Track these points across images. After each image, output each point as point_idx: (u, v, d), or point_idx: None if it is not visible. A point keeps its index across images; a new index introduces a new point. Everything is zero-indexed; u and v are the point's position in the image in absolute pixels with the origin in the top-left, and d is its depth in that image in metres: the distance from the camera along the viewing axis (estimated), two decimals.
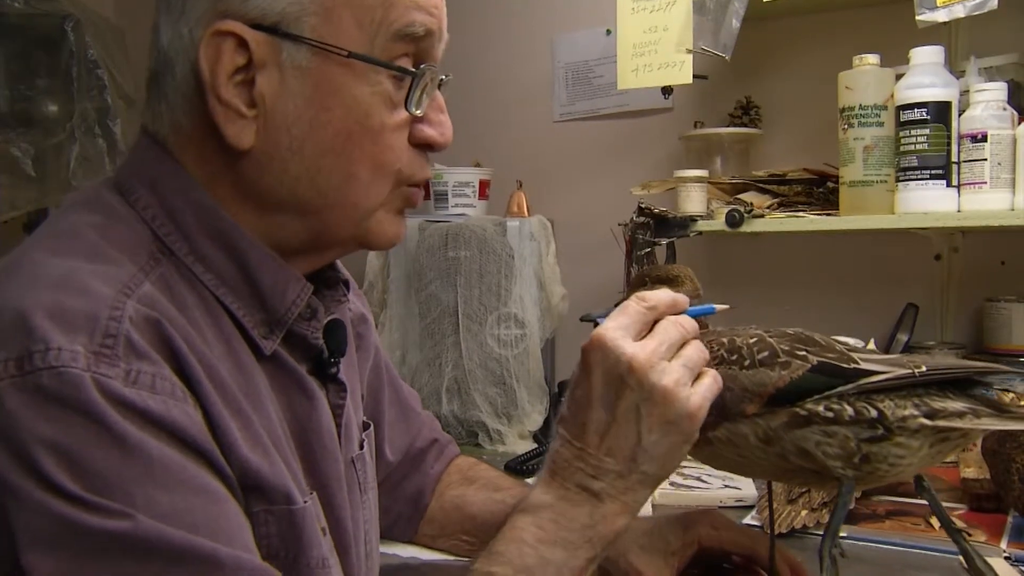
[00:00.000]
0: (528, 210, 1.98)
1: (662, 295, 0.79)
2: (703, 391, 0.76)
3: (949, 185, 1.40)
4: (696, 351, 0.77)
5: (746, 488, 1.31)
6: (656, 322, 0.77)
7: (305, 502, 0.68)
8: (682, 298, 0.81)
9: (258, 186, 0.70)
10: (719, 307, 0.85)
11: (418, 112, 0.72)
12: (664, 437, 0.74)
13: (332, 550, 0.72)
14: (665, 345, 0.75)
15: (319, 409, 0.75)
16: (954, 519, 0.91)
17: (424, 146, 0.74)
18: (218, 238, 0.69)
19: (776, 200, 1.65)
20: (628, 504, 0.74)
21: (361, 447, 0.84)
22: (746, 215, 1.55)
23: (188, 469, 0.58)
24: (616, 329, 0.75)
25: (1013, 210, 1.37)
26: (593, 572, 0.76)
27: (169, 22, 0.69)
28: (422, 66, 0.71)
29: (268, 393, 0.70)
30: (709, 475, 1.39)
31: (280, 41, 0.67)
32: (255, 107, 0.67)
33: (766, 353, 0.83)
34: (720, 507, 1.27)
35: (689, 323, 0.78)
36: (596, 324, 0.80)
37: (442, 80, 0.75)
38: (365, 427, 0.90)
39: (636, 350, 0.74)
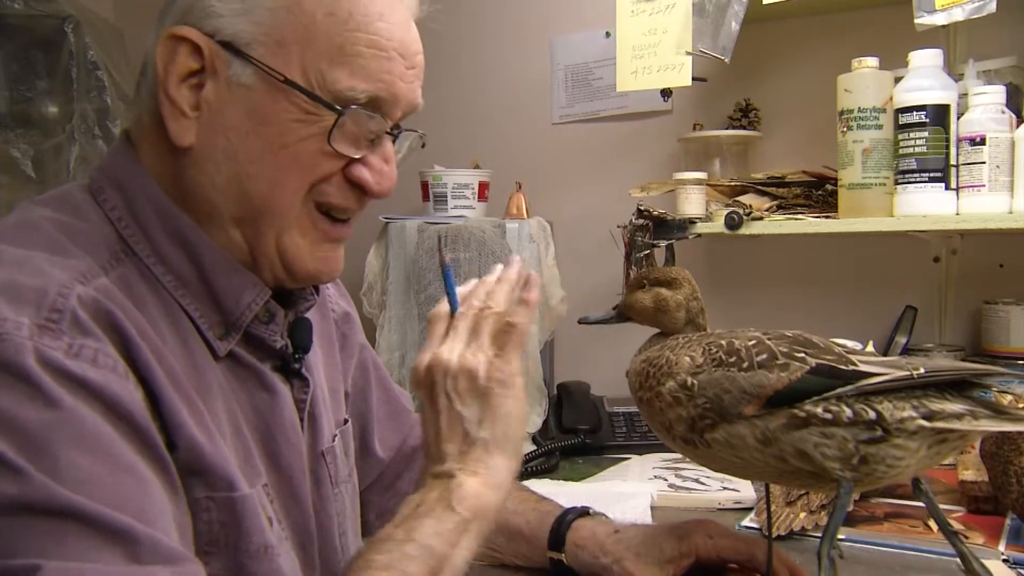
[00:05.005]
0: (527, 212, 1.98)
1: (440, 306, 0.83)
2: (497, 348, 0.78)
3: (948, 188, 1.41)
4: (480, 323, 0.80)
5: (744, 490, 1.31)
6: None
7: (251, 490, 0.71)
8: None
9: (196, 186, 0.74)
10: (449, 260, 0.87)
11: (351, 153, 0.74)
12: (482, 403, 0.77)
13: (283, 540, 0.75)
14: (456, 339, 0.80)
15: (280, 403, 0.78)
16: (952, 521, 0.91)
17: (358, 187, 0.76)
18: (178, 240, 0.73)
19: (775, 202, 1.65)
20: (483, 474, 0.76)
21: (333, 441, 0.88)
22: (745, 217, 1.56)
23: (118, 445, 0.60)
24: (421, 351, 0.81)
25: (1011, 212, 1.37)
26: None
27: (154, 29, 0.74)
28: (353, 107, 0.72)
29: (221, 392, 0.73)
30: (707, 477, 1.39)
31: (230, 56, 0.71)
32: (199, 110, 0.72)
33: (764, 355, 0.83)
34: (718, 509, 1.27)
35: (475, 305, 0.81)
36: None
37: (397, 134, 0.78)
38: (345, 423, 0.94)
39: (431, 352, 0.80)
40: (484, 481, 0.76)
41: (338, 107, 0.72)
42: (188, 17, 0.72)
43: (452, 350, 0.78)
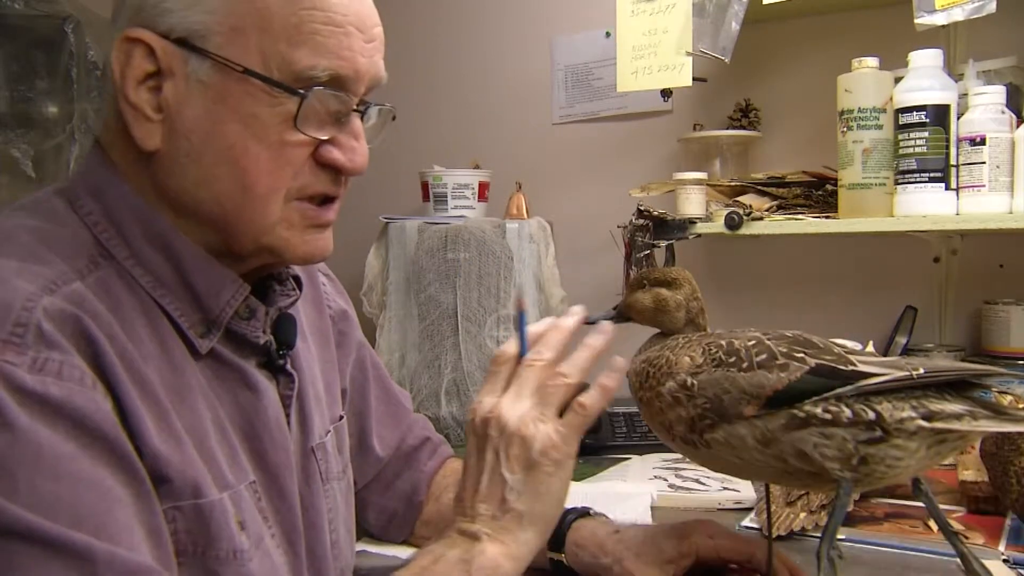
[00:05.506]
0: (527, 212, 1.98)
1: (508, 346, 0.80)
2: (561, 424, 0.76)
3: (948, 188, 1.41)
4: (550, 386, 0.77)
5: (744, 490, 1.31)
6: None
7: (221, 495, 0.70)
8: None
9: (167, 188, 0.73)
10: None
11: (318, 135, 0.73)
12: (529, 475, 0.75)
13: (261, 543, 0.74)
14: (519, 391, 0.77)
15: (265, 401, 0.78)
16: (952, 522, 0.91)
17: (332, 168, 0.75)
18: (156, 242, 0.72)
19: (775, 203, 1.65)
20: (508, 545, 0.74)
21: (325, 436, 0.87)
22: (745, 217, 1.56)
23: (80, 462, 0.60)
24: (482, 393, 0.79)
25: (1011, 213, 1.37)
26: None
27: (113, 32, 0.73)
28: (315, 88, 0.71)
29: (202, 390, 0.72)
30: (707, 477, 1.39)
31: (186, 53, 0.70)
32: (161, 112, 0.71)
33: (764, 355, 0.83)
34: (718, 509, 1.27)
35: (547, 356, 0.78)
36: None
37: (364, 109, 0.76)
38: (340, 419, 0.93)
39: (491, 403, 0.77)
40: (507, 552, 0.74)
41: (300, 90, 0.71)
42: (140, 16, 0.70)
43: (515, 409, 0.76)
